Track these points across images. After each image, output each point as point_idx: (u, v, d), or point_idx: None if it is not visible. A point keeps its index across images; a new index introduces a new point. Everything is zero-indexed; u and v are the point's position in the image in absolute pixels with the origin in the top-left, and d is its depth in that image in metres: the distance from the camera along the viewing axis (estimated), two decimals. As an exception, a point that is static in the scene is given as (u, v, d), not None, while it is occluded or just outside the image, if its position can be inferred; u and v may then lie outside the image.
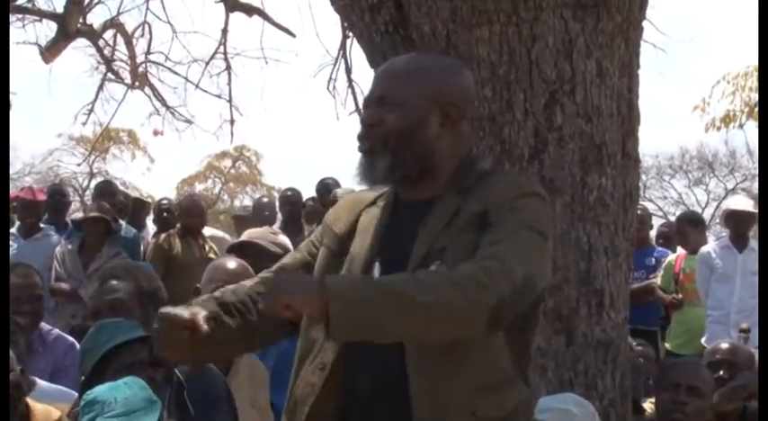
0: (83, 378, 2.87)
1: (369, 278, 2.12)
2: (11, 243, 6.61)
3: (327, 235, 2.33)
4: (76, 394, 3.40)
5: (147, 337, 2.86)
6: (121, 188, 9.90)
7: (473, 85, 2.38)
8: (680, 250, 7.21)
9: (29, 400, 3.08)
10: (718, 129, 12.72)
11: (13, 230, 6.90)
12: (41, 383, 3.53)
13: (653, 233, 8.07)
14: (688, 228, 7.17)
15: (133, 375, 2.70)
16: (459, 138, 2.26)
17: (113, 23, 9.91)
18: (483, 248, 2.06)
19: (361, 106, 2.26)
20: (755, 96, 11.98)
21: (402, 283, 1.98)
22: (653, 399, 3.86)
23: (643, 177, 24.19)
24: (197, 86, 10.34)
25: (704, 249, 6.67)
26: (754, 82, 12.04)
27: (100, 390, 2.58)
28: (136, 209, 8.15)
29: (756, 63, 11.68)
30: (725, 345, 4.29)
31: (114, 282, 3.23)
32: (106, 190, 7.69)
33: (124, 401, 2.53)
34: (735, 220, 6.59)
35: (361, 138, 2.24)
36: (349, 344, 2.13)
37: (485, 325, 2.00)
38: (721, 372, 4.10)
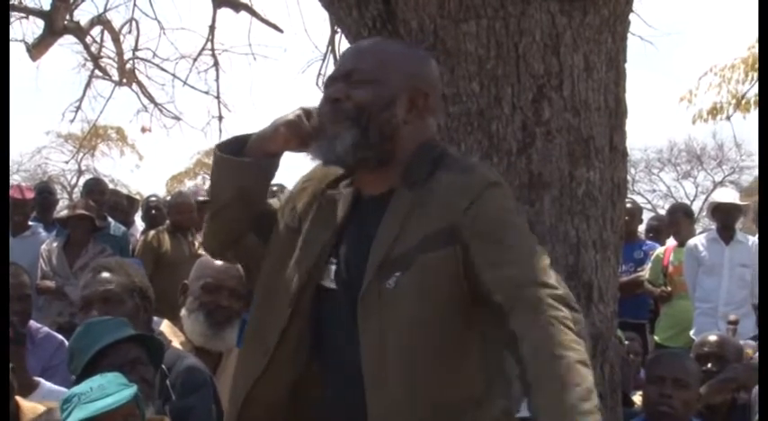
0: (73, 378, 2.87)
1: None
2: (-1, 241, 6.59)
3: (287, 206, 2.31)
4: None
5: (135, 336, 2.87)
6: (111, 186, 9.88)
7: (440, 80, 2.33)
8: (669, 243, 7.24)
9: (17, 398, 3.08)
10: (705, 120, 12.76)
11: (1, 228, 6.88)
12: (45, 383, 3.53)
13: (642, 227, 8.10)
14: (682, 220, 7.21)
15: (125, 375, 2.71)
16: (423, 130, 2.19)
17: (100, 20, 9.89)
18: (494, 279, 2.01)
19: (333, 76, 2.23)
20: (742, 88, 12.02)
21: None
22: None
23: (632, 171, 24.28)
24: (185, 83, 10.35)
25: (691, 242, 6.71)
26: (740, 74, 12.08)
27: (76, 387, 2.63)
28: (125, 206, 8.14)
29: (743, 55, 11.74)
30: (713, 338, 4.31)
31: (107, 275, 3.24)
32: (95, 188, 7.68)
33: (99, 388, 2.57)
34: (721, 213, 6.63)
35: (325, 116, 2.16)
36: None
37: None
38: (709, 365, 4.12)
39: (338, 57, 8.63)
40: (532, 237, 2.15)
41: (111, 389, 2.56)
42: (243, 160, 2.23)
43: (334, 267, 2.16)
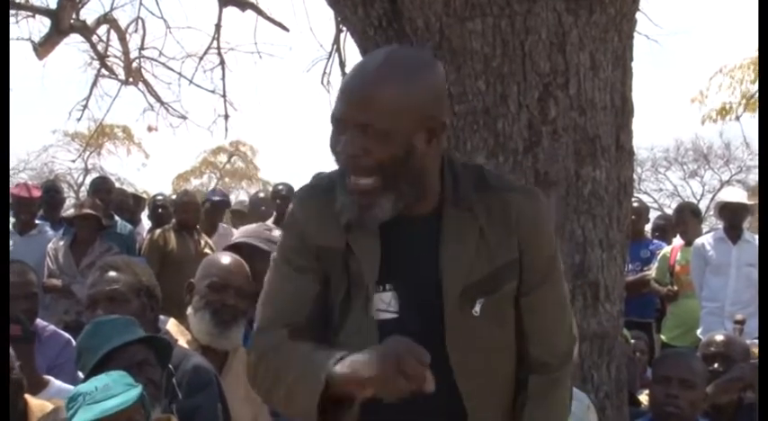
0: (81, 376, 2.87)
1: None
2: (6, 239, 6.61)
3: (324, 253, 2.10)
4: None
5: (144, 338, 2.87)
6: (118, 185, 9.90)
7: (444, 81, 2.18)
8: (675, 242, 7.23)
9: (27, 397, 3.09)
10: (715, 121, 12.75)
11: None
12: (55, 382, 3.53)
13: (649, 226, 8.09)
14: (689, 219, 7.19)
15: (132, 377, 2.71)
16: (440, 147, 2.09)
17: (107, 19, 9.90)
18: (540, 334, 2.13)
19: (343, 118, 2.01)
20: (753, 88, 12.00)
21: None
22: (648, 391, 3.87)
23: (638, 170, 24.21)
24: (191, 82, 10.35)
25: (698, 241, 6.69)
26: (750, 74, 12.07)
27: (81, 385, 2.62)
28: (132, 204, 8.16)
29: (753, 55, 11.73)
30: (719, 338, 4.30)
31: (114, 274, 3.23)
32: (101, 186, 7.69)
33: (104, 388, 2.55)
34: (729, 212, 6.60)
35: (348, 168, 2.02)
36: None
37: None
38: (716, 365, 4.11)
39: (343, 56, 8.64)
40: (564, 282, 2.22)
41: (117, 389, 2.55)
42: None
43: (389, 294, 2.07)
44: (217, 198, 8.06)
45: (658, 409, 3.53)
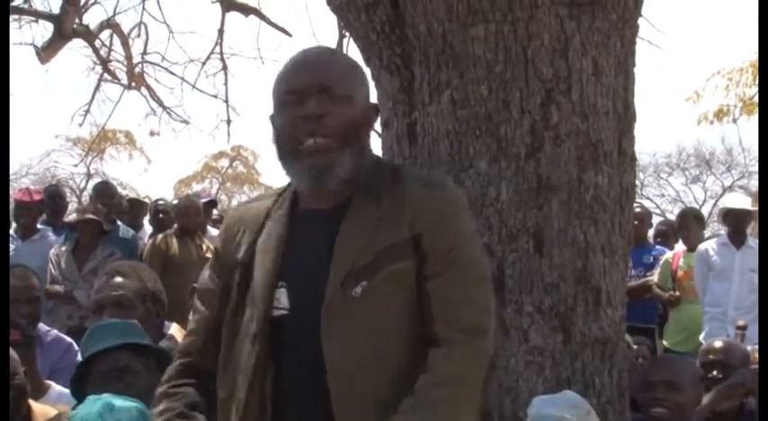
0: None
1: None
2: (9, 244, 6.62)
3: (226, 265, 2.19)
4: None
5: (131, 344, 2.85)
6: (121, 190, 9.90)
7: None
8: (678, 248, 7.23)
9: (30, 402, 3.09)
10: (711, 122, 12.74)
11: (11, 232, 6.90)
12: (56, 386, 3.53)
13: (651, 231, 8.09)
14: (692, 224, 7.20)
15: (109, 382, 2.69)
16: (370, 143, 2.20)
17: (109, 24, 9.92)
18: (444, 311, 2.05)
19: (304, 86, 2.10)
20: (749, 91, 12.01)
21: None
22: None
23: (640, 175, 24.20)
24: (193, 87, 10.38)
25: (702, 247, 6.69)
26: (748, 77, 12.07)
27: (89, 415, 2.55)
28: (133, 209, 8.16)
29: (751, 58, 11.73)
30: (718, 345, 4.29)
31: (120, 279, 3.24)
32: (104, 191, 7.69)
33: None
34: (732, 218, 6.61)
35: (307, 130, 2.06)
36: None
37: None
38: (715, 372, 4.10)
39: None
40: (479, 271, 2.15)
41: None
42: None
43: (284, 290, 2.09)
44: (203, 199, 8.07)
45: (646, 414, 3.53)
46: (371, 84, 3.70)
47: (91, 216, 6.52)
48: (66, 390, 3.48)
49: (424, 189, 2.11)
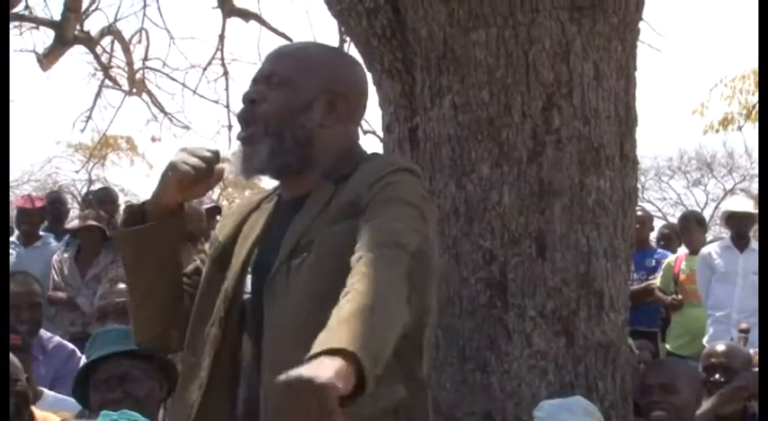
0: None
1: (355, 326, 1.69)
2: (11, 251, 6.62)
3: (213, 244, 2.21)
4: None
5: (130, 351, 2.85)
6: (122, 196, 9.90)
7: (367, 88, 2.24)
8: (680, 251, 7.23)
9: (32, 408, 3.09)
10: (717, 131, 12.76)
11: (13, 238, 6.91)
12: (48, 393, 3.54)
13: (654, 234, 8.09)
14: (694, 227, 7.20)
15: (108, 389, 2.69)
16: (343, 135, 2.14)
17: (110, 30, 9.92)
18: (364, 229, 1.91)
19: (255, 78, 2.19)
20: (753, 99, 12.02)
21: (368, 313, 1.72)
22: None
23: (642, 178, 24.21)
24: (194, 92, 10.36)
25: (705, 250, 6.69)
26: (751, 85, 12.09)
27: None
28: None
29: (754, 66, 11.75)
30: (720, 348, 4.29)
31: (123, 286, 3.25)
32: (105, 197, 7.70)
33: None
34: (735, 221, 6.61)
35: (240, 117, 2.13)
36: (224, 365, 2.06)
37: (406, 279, 1.84)
38: (717, 376, 4.10)
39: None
40: (423, 224, 2.00)
41: None
42: (139, 228, 2.13)
43: (249, 276, 2.10)
44: (206, 205, 8.06)
45: (647, 419, 3.53)
46: (374, 89, 3.72)
47: (93, 222, 6.52)
48: (62, 396, 3.49)
49: (371, 164, 2.09)
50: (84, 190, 25.11)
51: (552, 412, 3.00)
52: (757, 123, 11.84)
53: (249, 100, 2.11)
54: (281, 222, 2.10)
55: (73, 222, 7.16)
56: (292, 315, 1.96)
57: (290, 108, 2.08)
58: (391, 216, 1.94)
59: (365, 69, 2.19)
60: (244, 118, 2.13)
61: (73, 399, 3.50)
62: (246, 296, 2.09)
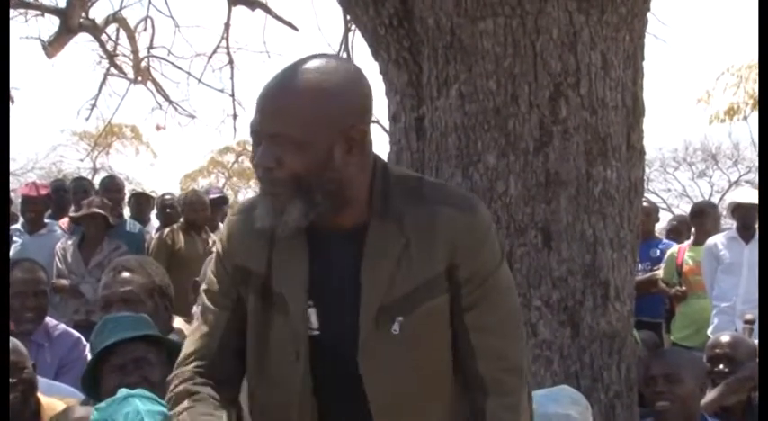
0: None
1: None
2: (16, 239, 6.62)
3: (238, 271, 2.08)
4: (74, 389, 3.42)
5: (148, 336, 2.86)
6: (127, 184, 9.90)
7: (370, 89, 2.03)
8: (685, 242, 7.22)
9: (39, 395, 3.10)
10: (722, 121, 12.73)
11: (18, 226, 6.91)
12: (41, 380, 3.54)
13: (662, 225, 8.08)
14: (708, 220, 7.18)
15: (125, 373, 2.69)
16: (366, 156, 2.01)
17: (116, 18, 9.91)
18: (486, 348, 2.02)
19: (257, 130, 1.98)
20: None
21: None
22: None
23: (646, 170, 24.12)
24: (200, 81, 10.36)
25: (710, 241, 6.68)
26: (757, 74, 12.06)
27: (115, 413, 2.54)
28: (140, 204, 8.17)
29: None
30: (725, 339, 4.28)
31: (127, 275, 3.24)
32: (111, 186, 7.70)
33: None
34: (741, 212, 6.60)
35: (262, 181, 1.98)
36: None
37: None
38: (721, 366, 4.10)
39: (351, 55, 8.64)
40: (515, 296, 2.11)
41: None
42: None
43: (313, 310, 2.02)
44: (213, 195, 8.06)
45: (652, 410, 3.54)
46: (380, 78, 3.71)
47: (96, 210, 6.52)
48: (55, 383, 3.49)
49: (454, 212, 1.99)
50: (89, 178, 25.17)
51: (540, 403, 3.00)
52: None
53: (265, 168, 1.94)
54: (335, 258, 2.02)
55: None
56: (406, 383, 2.00)
57: (312, 170, 1.93)
58: (503, 333, 2.04)
59: (360, 71, 2.01)
60: (265, 186, 1.98)
61: (64, 386, 3.51)
62: (313, 332, 2.03)
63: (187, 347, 2.15)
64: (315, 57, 1.99)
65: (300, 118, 1.91)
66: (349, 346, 1.98)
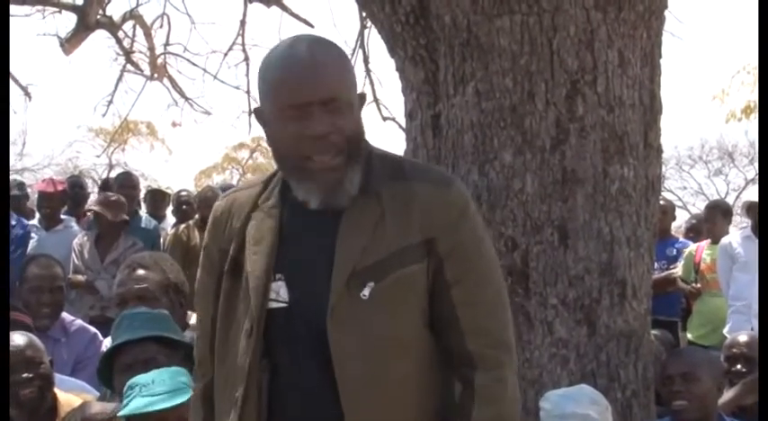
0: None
1: None
2: (33, 234, 6.65)
3: (215, 255, 2.10)
4: (83, 383, 3.44)
5: (157, 336, 2.86)
6: (142, 180, 9.92)
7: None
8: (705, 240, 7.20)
9: (56, 391, 3.11)
10: (739, 119, 12.65)
11: (34, 222, 6.94)
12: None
13: (679, 224, 8.04)
14: (719, 218, 7.16)
15: (134, 373, 2.71)
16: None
17: (132, 15, 9.93)
18: (472, 323, 2.00)
19: (306, 101, 1.93)
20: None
21: None
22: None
23: (662, 168, 24.03)
24: (215, 77, 10.37)
25: (725, 240, 6.65)
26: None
27: (140, 376, 2.63)
28: (156, 200, 8.20)
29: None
30: (742, 339, 4.27)
31: (142, 272, 3.25)
32: (126, 182, 7.72)
33: (161, 382, 2.58)
34: (756, 211, 6.56)
35: (313, 151, 1.94)
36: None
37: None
38: (739, 366, 4.08)
39: (367, 51, 8.64)
40: (500, 273, 2.12)
41: (173, 385, 2.57)
42: None
43: (282, 283, 2.01)
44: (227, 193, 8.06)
45: (669, 409, 3.53)
46: (396, 75, 3.71)
47: (95, 208, 6.51)
48: (66, 378, 3.51)
49: (431, 187, 2.02)
50: (105, 174, 25.26)
51: (558, 403, 3.00)
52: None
53: (325, 134, 1.94)
54: (310, 230, 2.02)
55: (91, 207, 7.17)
56: (373, 350, 1.96)
57: (359, 131, 2.00)
58: (489, 307, 2.04)
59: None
60: (320, 150, 1.96)
61: (75, 380, 3.53)
62: (280, 304, 2.02)
63: (198, 348, 2.20)
64: (303, 35, 2.07)
65: (345, 80, 1.98)
66: (320, 315, 1.96)
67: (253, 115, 2.09)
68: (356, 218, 1.99)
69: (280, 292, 2.00)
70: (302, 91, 1.93)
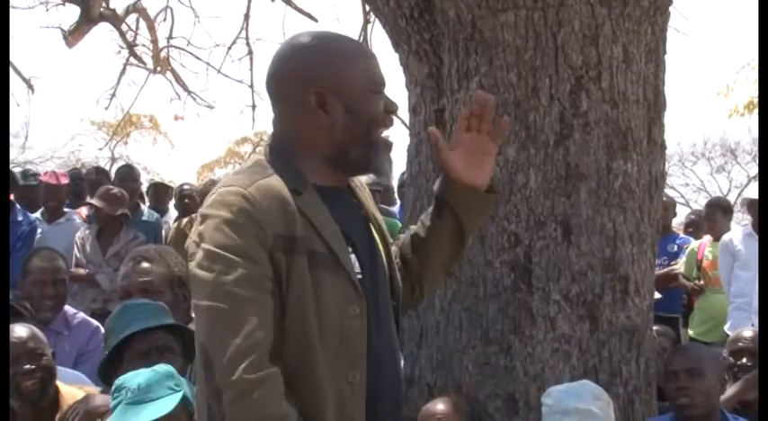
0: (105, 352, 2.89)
1: None
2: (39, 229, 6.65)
3: (266, 241, 1.99)
4: (81, 375, 3.43)
5: (170, 326, 2.88)
6: (144, 174, 9.91)
7: None
8: (704, 237, 7.19)
9: (57, 383, 3.11)
10: (742, 115, 12.62)
11: (37, 215, 6.94)
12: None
13: (680, 220, 8.04)
14: (719, 215, 7.15)
15: (149, 361, 2.71)
16: None
17: (136, 8, 9.92)
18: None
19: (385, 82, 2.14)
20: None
21: None
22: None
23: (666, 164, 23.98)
24: (219, 71, 10.36)
25: (726, 237, 6.65)
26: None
27: (127, 376, 2.59)
28: (158, 193, 8.19)
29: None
30: (747, 333, 4.27)
31: (146, 265, 3.25)
32: (128, 175, 7.72)
33: (146, 387, 2.52)
34: (756, 208, 6.56)
35: (388, 127, 2.20)
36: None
37: None
38: (744, 360, 4.08)
39: (370, 46, 8.64)
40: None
41: (158, 391, 2.50)
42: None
43: (354, 257, 2.10)
44: None
45: (673, 405, 3.53)
46: (400, 70, 3.71)
47: (93, 202, 6.51)
48: (64, 369, 3.51)
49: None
50: (107, 167, 25.24)
51: (560, 398, 3.00)
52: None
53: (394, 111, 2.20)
54: (347, 213, 2.16)
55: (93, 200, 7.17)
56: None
57: None
58: None
59: None
60: (391, 124, 2.21)
61: (75, 372, 3.52)
62: (359, 277, 2.10)
63: (260, 341, 2.00)
64: (333, 32, 2.24)
65: None
66: (383, 282, 2.17)
67: (314, 97, 2.12)
68: (362, 200, 2.23)
69: (356, 265, 2.11)
70: (382, 74, 2.16)
